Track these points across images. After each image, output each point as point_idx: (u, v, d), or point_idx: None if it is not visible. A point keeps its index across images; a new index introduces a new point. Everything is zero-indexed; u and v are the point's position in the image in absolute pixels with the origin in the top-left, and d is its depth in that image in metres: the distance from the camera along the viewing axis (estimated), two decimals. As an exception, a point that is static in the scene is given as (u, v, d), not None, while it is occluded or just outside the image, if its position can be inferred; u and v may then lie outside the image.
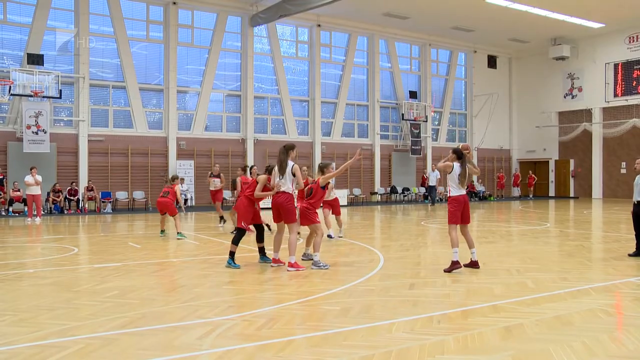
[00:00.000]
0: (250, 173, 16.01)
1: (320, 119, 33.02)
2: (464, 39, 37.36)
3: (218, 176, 18.71)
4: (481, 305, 7.15)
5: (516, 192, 38.79)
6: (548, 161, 39.72)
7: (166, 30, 28.85)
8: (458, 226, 9.72)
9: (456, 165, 9.72)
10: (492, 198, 36.79)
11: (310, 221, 10.19)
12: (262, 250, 10.72)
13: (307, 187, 10.90)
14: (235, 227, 10.69)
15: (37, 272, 9.81)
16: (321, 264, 10.03)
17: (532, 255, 11.71)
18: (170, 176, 12.70)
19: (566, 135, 38.15)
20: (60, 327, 6.21)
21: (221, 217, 18.35)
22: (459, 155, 9.72)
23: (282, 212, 9.83)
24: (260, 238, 10.72)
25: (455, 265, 9.50)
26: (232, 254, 10.22)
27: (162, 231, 15.82)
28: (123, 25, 27.71)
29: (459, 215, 9.62)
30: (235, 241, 10.24)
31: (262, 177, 10.25)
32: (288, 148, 9.94)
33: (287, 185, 9.83)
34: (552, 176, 39.55)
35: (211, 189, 18.81)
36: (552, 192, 39.53)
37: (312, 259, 10.58)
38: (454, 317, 6.64)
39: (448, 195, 9.77)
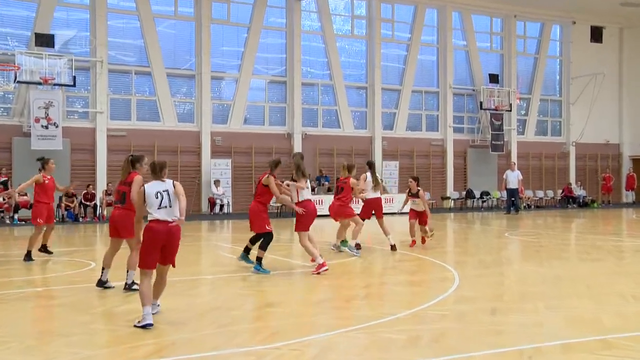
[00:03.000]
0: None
1: (380, 110, 32.92)
2: (559, 7, 36.61)
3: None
4: (586, 339, 6.87)
5: (630, 197, 37.78)
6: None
7: (198, 5, 29.23)
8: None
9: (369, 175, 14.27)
10: (595, 205, 35.91)
11: (347, 215, 13.82)
12: (248, 250, 11.95)
13: (338, 185, 14.27)
14: (259, 234, 11.70)
15: (47, 291, 9.99)
16: (355, 251, 13.10)
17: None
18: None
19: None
20: (73, 357, 6.26)
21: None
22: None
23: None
24: (255, 241, 11.94)
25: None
26: (259, 259, 11.35)
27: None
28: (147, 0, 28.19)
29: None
30: (264, 247, 11.49)
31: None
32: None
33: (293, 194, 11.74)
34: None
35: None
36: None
37: (341, 251, 13.93)
38: (550, 352, 6.42)
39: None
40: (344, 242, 14.56)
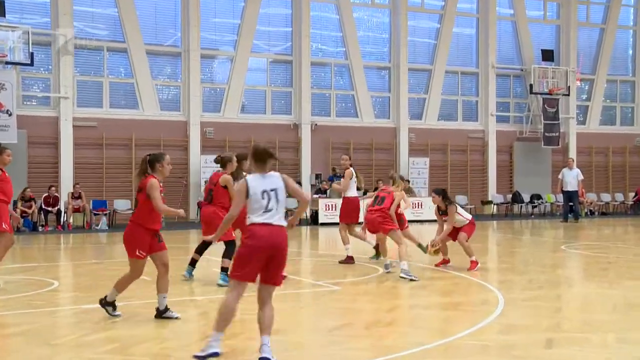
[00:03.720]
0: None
1: (407, 95, 32.95)
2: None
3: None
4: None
5: None
6: None
7: (184, -33, 29.31)
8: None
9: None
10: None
11: (385, 230, 13.73)
12: (194, 263, 12.81)
13: (377, 196, 14.21)
14: (206, 243, 12.40)
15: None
16: (411, 275, 12.79)
17: None
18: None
19: None
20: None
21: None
22: None
23: None
24: (202, 250, 12.89)
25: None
26: (225, 269, 11.94)
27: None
28: (123, -39, 28.28)
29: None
30: (229, 255, 12.02)
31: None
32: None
33: None
34: None
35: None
36: None
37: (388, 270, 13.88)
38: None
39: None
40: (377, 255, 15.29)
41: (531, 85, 34.84)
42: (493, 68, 34.70)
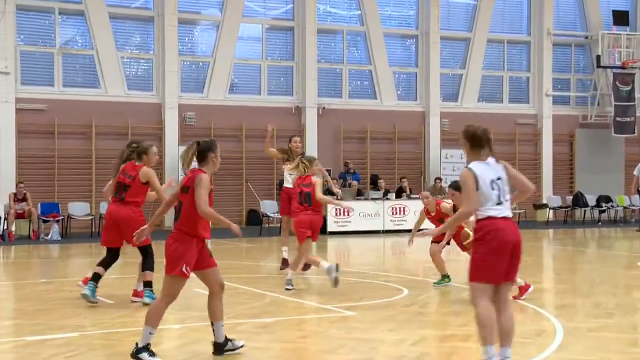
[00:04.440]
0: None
1: (438, 71, 32.93)
2: None
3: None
4: None
5: None
6: None
7: None
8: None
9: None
10: None
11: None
12: (98, 278, 12.77)
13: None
14: (114, 251, 12.90)
15: None
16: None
17: None
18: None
19: None
20: None
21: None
22: None
23: None
24: (109, 264, 12.97)
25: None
26: (149, 283, 12.51)
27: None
28: None
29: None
30: (151, 266, 12.57)
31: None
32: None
33: None
34: None
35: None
36: None
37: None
38: None
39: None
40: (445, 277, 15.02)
41: (598, 57, 34.78)
42: (549, 35, 34.69)
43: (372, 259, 15.15)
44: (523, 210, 32.48)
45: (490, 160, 7.87)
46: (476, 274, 7.75)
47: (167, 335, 10.86)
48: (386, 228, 28.31)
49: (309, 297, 13.94)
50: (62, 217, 26.96)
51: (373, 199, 28.56)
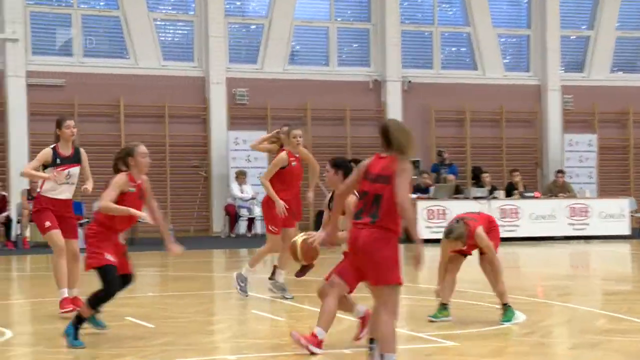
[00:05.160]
0: None
1: (558, 33, 32.73)
2: None
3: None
4: None
5: None
6: None
7: None
8: None
9: None
10: None
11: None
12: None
13: None
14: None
15: None
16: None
17: None
18: None
19: None
20: None
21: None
22: None
23: None
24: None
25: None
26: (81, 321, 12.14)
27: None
28: None
29: None
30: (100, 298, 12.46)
31: None
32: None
33: None
34: None
35: None
36: None
37: None
38: None
39: None
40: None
41: None
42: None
43: (474, 274, 14.81)
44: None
45: None
46: None
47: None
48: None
49: (398, 323, 13.92)
50: (86, 220, 27.11)
51: (476, 197, 28.22)
